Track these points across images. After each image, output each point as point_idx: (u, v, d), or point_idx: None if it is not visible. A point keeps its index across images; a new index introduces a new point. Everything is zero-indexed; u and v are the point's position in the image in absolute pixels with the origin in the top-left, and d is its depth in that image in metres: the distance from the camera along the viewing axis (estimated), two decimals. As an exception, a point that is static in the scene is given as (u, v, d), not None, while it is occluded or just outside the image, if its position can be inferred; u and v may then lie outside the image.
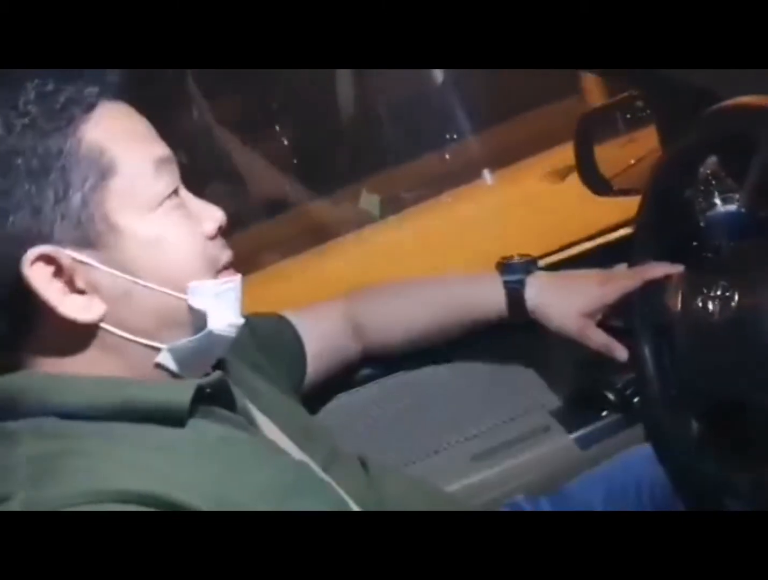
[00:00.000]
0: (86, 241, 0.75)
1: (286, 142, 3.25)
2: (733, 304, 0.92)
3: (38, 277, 0.74)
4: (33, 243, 0.73)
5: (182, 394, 0.78)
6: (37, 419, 0.74)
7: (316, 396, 1.22)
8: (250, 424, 0.86)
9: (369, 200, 3.05)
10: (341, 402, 1.31)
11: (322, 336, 1.19)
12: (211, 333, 0.81)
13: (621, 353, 1.14)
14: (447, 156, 3.00)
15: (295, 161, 3.21)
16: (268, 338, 1.11)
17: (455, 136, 3.00)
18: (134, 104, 0.82)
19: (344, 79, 3.13)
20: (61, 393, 0.75)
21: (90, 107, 0.76)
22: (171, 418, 0.78)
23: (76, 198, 0.74)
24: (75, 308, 0.75)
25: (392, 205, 2.90)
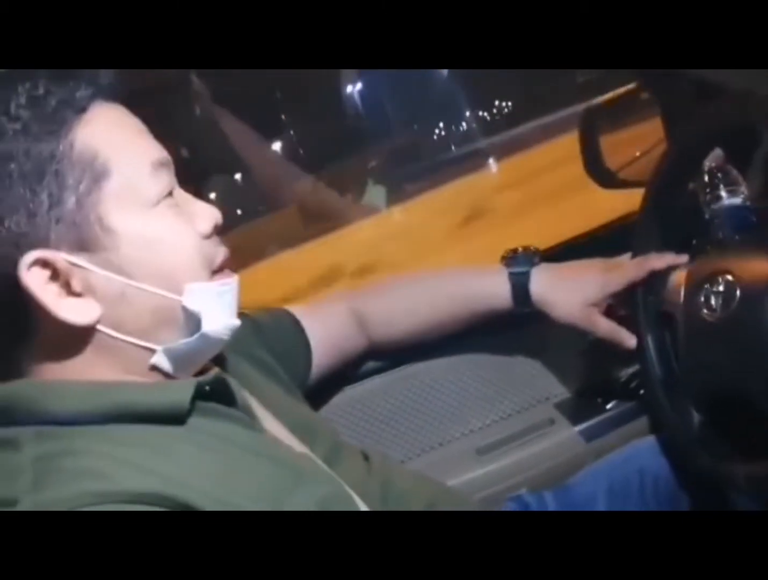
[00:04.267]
0: (82, 244, 0.75)
1: (292, 132, 3.25)
2: (735, 299, 0.92)
3: (35, 281, 0.74)
4: (29, 247, 0.73)
5: (182, 393, 0.79)
6: (38, 426, 0.74)
7: (321, 389, 1.23)
8: (251, 419, 0.86)
9: (375, 191, 3.05)
10: (346, 395, 1.32)
11: (327, 331, 1.19)
12: (205, 335, 0.80)
13: (629, 339, 1.14)
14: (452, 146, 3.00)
15: (301, 151, 3.21)
16: (272, 334, 1.11)
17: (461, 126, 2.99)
18: (132, 104, 0.82)
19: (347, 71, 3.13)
20: (61, 400, 0.75)
21: (82, 110, 0.76)
22: (171, 417, 0.78)
23: (70, 201, 0.74)
24: (72, 310, 0.75)
25: (397, 196, 2.90)
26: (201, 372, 0.85)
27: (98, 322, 0.77)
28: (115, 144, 0.77)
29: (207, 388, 0.81)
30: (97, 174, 0.75)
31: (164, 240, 0.78)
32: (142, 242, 0.77)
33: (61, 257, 0.74)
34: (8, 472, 0.71)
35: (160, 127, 0.84)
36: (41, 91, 0.74)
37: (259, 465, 0.80)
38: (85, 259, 0.75)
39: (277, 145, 3.09)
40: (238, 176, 2.99)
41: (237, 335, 0.88)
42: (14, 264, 0.73)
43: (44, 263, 0.74)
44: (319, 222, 2.89)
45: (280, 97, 3.26)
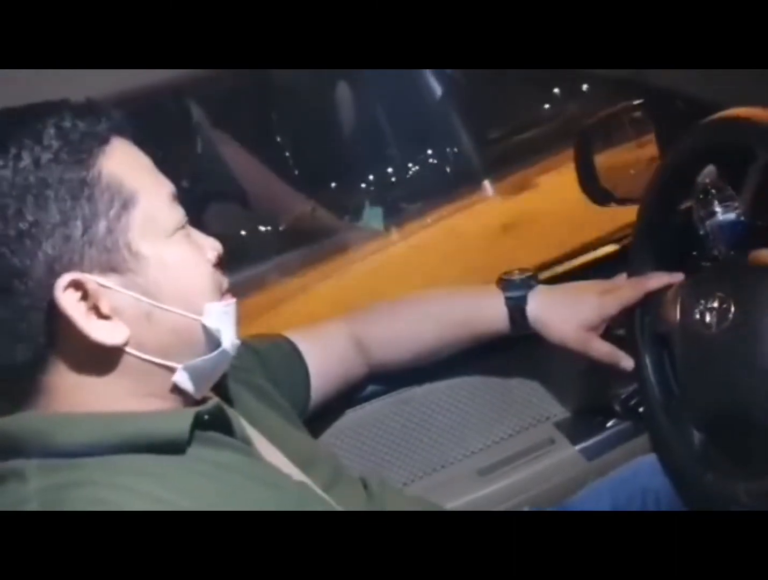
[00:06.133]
0: (111, 267, 0.77)
1: (287, 154, 3.26)
2: (729, 315, 0.92)
3: (69, 302, 0.76)
4: (64, 270, 0.75)
5: (180, 423, 0.80)
6: (44, 459, 0.75)
7: (321, 414, 1.23)
8: (250, 447, 0.87)
9: (372, 213, 3.06)
10: (347, 419, 1.31)
11: (325, 356, 1.19)
12: (224, 352, 0.84)
13: (626, 362, 1.15)
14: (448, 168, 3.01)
15: (296, 172, 3.21)
16: (271, 361, 1.11)
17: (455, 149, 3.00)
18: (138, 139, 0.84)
19: (344, 88, 3.14)
20: (67, 433, 0.76)
21: (104, 141, 0.79)
22: (172, 447, 0.79)
23: (101, 226, 0.77)
24: (102, 332, 0.77)
25: (394, 217, 2.91)
26: (201, 401, 0.86)
27: (126, 343, 0.79)
28: (137, 175, 0.80)
29: (206, 417, 0.82)
30: (124, 201, 0.78)
31: (183, 266, 0.82)
32: (166, 266, 0.80)
33: (92, 279, 0.76)
34: (13, 504, 0.72)
35: (163, 160, 0.86)
36: (67, 123, 0.77)
37: (257, 493, 0.81)
38: (114, 281, 0.77)
39: (273, 166, 3.09)
40: (237, 203, 3.00)
41: (236, 363, 0.89)
42: (47, 286, 0.75)
43: (77, 285, 0.76)
44: (315, 244, 2.90)
45: (277, 117, 3.26)
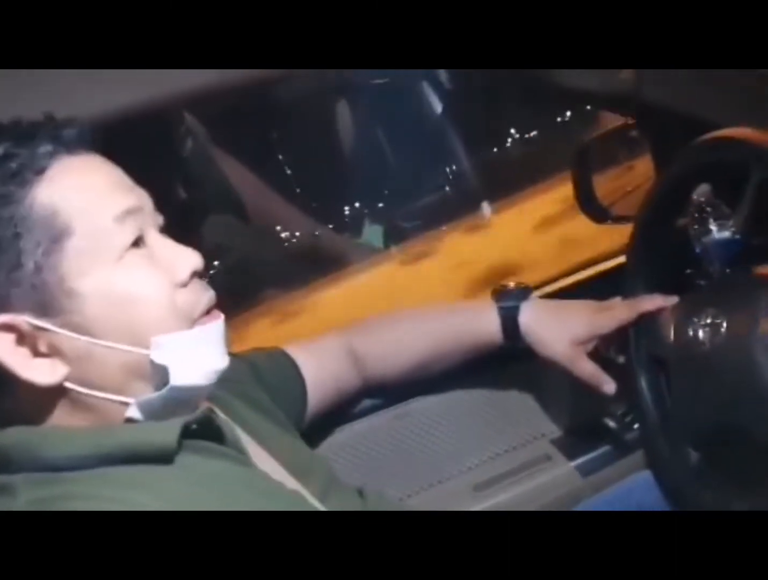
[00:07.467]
0: (43, 307, 0.75)
1: (288, 172, 3.26)
2: (721, 332, 0.93)
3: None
4: None
5: (168, 433, 0.78)
6: (32, 473, 0.75)
7: (317, 429, 1.23)
8: (243, 456, 0.86)
9: (372, 231, 3.06)
10: (343, 434, 1.31)
11: (322, 370, 1.19)
12: (175, 388, 0.79)
13: (608, 386, 1.15)
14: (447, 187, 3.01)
15: (298, 190, 3.21)
16: (268, 374, 1.11)
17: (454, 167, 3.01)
18: (114, 148, 0.82)
19: (344, 107, 3.16)
20: (52, 446, 0.76)
21: (41, 170, 0.76)
22: (161, 458, 0.78)
23: (29, 265, 0.74)
24: (38, 372, 0.76)
25: (394, 236, 2.92)
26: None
27: (66, 380, 0.77)
28: (75, 201, 0.76)
29: (194, 426, 0.81)
30: (57, 234, 0.75)
31: (132, 295, 0.77)
32: (108, 301, 0.77)
33: (24, 320, 0.75)
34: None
35: (146, 169, 0.84)
36: (2, 153, 0.75)
37: (250, 502, 0.80)
38: (48, 321, 0.75)
39: (272, 182, 3.09)
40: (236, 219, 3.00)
41: (232, 375, 0.88)
42: None
43: (7, 327, 0.75)
44: (316, 261, 2.90)
45: (276, 135, 3.27)
